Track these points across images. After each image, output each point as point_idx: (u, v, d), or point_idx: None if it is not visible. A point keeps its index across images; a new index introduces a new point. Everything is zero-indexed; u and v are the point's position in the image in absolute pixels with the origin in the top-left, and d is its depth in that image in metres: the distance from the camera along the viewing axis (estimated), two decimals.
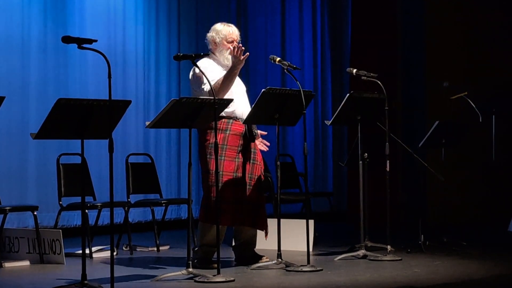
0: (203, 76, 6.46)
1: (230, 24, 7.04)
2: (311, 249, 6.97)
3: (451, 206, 9.82)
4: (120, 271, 6.49)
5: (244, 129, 6.83)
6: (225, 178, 6.71)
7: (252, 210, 6.86)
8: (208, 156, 6.74)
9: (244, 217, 6.83)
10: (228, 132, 6.79)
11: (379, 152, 7.51)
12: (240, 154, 6.83)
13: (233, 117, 6.81)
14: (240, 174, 6.81)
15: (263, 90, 6.57)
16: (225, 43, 6.91)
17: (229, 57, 6.85)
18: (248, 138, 6.84)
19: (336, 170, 11.98)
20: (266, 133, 7.08)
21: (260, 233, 7.01)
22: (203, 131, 6.78)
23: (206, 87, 6.61)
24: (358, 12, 11.46)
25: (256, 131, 6.91)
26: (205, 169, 6.80)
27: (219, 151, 6.48)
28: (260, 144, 7.04)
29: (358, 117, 7.43)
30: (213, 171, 6.66)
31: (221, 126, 6.73)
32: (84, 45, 5.50)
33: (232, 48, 6.73)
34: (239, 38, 6.98)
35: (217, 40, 6.93)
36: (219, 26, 6.99)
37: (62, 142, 8.67)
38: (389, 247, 7.28)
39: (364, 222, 7.50)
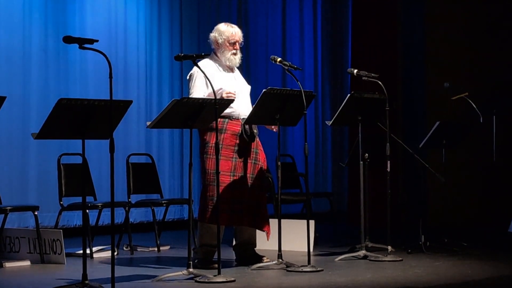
0: (192, 84, 6.71)
1: (233, 25, 7.02)
2: (311, 250, 6.97)
3: (452, 207, 9.81)
4: (120, 271, 6.49)
5: (240, 129, 6.82)
6: (221, 178, 6.69)
7: (252, 210, 6.85)
8: (205, 155, 6.75)
9: (242, 216, 6.81)
10: (223, 131, 6.78)
11: (380, 152, 7.51)
12: (237, 154, 6.82)
13: (229, 117, 6.80)
14: (238, 174, 6.80)
15: (264, 90, 6.56)
16: (227, 44, 6.91)
17: (231, 57, 6.88)
18: (248, 138, 6.83)
19: (336, 170, 11.98)
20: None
21: (261, 234, 7.01)
22: (201, 131, 6.78)
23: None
24: (358, 12, 11.46)
25: (255, 131, 6.90)
26: (202, 169, 6.82)
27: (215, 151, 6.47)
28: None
29: (359, 117, 7.43)
30: (209, 171, 6.68)
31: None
32: (85, 45, 5.49)
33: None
34: (241, 39, 6.97)
35: (220, 41, 6.92)
36: (222, 27, 6.98)
37: (62, 142, 8.67)
38: (389, 247, 7.28)
39: (365, 222, 7.50)
